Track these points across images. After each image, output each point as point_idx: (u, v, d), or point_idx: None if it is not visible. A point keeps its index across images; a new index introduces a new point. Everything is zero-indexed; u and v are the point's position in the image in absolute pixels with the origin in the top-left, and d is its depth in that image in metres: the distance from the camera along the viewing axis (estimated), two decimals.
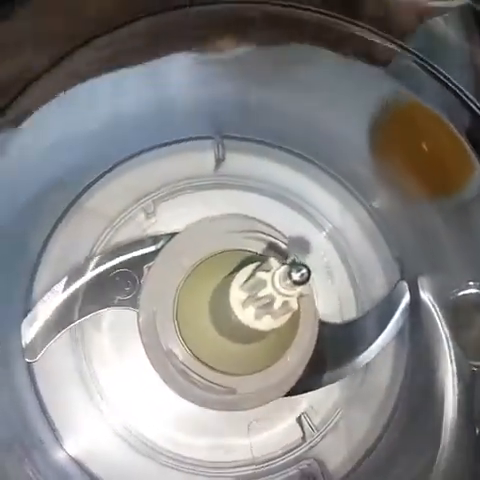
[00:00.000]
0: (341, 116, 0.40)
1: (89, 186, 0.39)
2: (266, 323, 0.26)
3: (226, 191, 0.40)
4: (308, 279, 0.21)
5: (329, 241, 0.40)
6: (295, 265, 0.21)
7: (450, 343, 0.37)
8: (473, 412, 0.34)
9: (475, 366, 0.36)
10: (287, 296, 0.23)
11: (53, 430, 0.34)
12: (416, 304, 0.40)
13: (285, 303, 0.23)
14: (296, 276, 0.21)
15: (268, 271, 0.23)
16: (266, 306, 0.24)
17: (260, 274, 0.23)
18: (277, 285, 0.22)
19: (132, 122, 0.38)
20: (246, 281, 0.25)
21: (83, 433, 0.34)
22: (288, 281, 0.22)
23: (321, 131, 0.41)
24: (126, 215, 0.38)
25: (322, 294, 0.37)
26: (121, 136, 0.39)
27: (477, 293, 0.37)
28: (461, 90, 0.35)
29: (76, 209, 0.38)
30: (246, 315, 0.26)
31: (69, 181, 0.38)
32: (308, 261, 0.36)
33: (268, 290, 0.23)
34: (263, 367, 0.33)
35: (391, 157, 0.41)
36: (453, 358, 0.37)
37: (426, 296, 0.40)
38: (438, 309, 0.39)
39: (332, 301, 0.39)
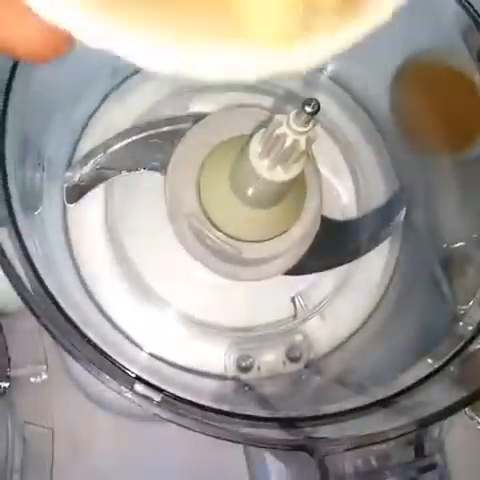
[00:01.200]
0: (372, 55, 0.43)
1: (131, 76, 0.44)
2: (278, 174, 0.31)
3: (256, 95, 0.45)
4: (318, 110, 0.26)
5: (341, 153, 0.45)
6: (307, 101, 0.26)
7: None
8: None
9: (461, 309, 0.40)
10: (298, 134, 0.27)
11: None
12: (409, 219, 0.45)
13: (295, 142, 0.28)
14: (308, 108, 0.26)
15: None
16: (278, 151, 0.29)
17: (278, 117, 0.28)
18: (291, 122, 0.27)
19: None
20: (265, 133, 0.30)
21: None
22: (302, 117, 0.26)
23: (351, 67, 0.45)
24: (164, 103, 0.43)
25: (327, 193, 0.41)
26: None
27: (470, 246, 0.41)
28: None
29: (119, 94, 0.43)
30: (260, 166, 0.31)
31: (118, 71, 0.43)
32: (320, 163, 0.41)
33: (283, 129, 0.28)
34: (270, 237, 0.37)
35: (409, 108, 0.45)
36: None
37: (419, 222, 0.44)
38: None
39: (336, 201, 0.43)
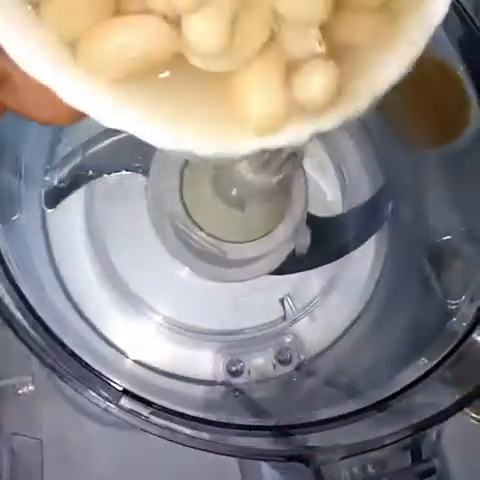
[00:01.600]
0: None
1: None
2: (263, 176, 0.30)
3: None
4: None
5: (325, 149, 0.44)
6: None
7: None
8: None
9: (452, 304, 0.39)
10: None
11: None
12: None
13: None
14: None
15: None
16: (264, 154, 0.28)
17: None
18: None
19: None
20: None
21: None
22: None
23: None
24: None
25: (312, 191, 0.40)
26: None
27: (458, 239, 0.40)
28: None
29: None
30: (246, 168, 0.30)
31: None
32: (304, 160, 0.40)
33: None
34: (254, 238, 0.36)
35: (392, 101, 0.44)
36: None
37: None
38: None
39: (321, 198, 0.42)
